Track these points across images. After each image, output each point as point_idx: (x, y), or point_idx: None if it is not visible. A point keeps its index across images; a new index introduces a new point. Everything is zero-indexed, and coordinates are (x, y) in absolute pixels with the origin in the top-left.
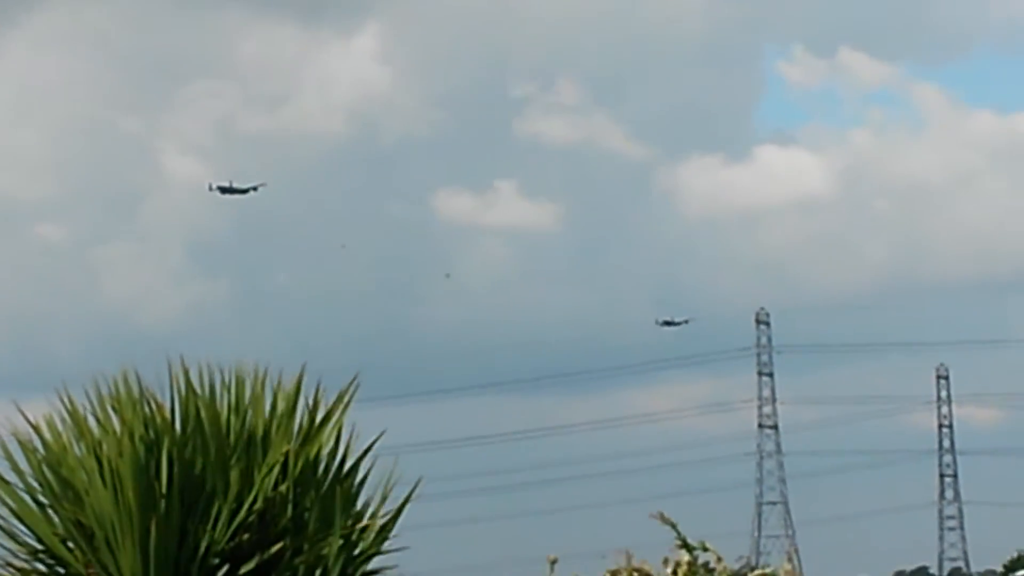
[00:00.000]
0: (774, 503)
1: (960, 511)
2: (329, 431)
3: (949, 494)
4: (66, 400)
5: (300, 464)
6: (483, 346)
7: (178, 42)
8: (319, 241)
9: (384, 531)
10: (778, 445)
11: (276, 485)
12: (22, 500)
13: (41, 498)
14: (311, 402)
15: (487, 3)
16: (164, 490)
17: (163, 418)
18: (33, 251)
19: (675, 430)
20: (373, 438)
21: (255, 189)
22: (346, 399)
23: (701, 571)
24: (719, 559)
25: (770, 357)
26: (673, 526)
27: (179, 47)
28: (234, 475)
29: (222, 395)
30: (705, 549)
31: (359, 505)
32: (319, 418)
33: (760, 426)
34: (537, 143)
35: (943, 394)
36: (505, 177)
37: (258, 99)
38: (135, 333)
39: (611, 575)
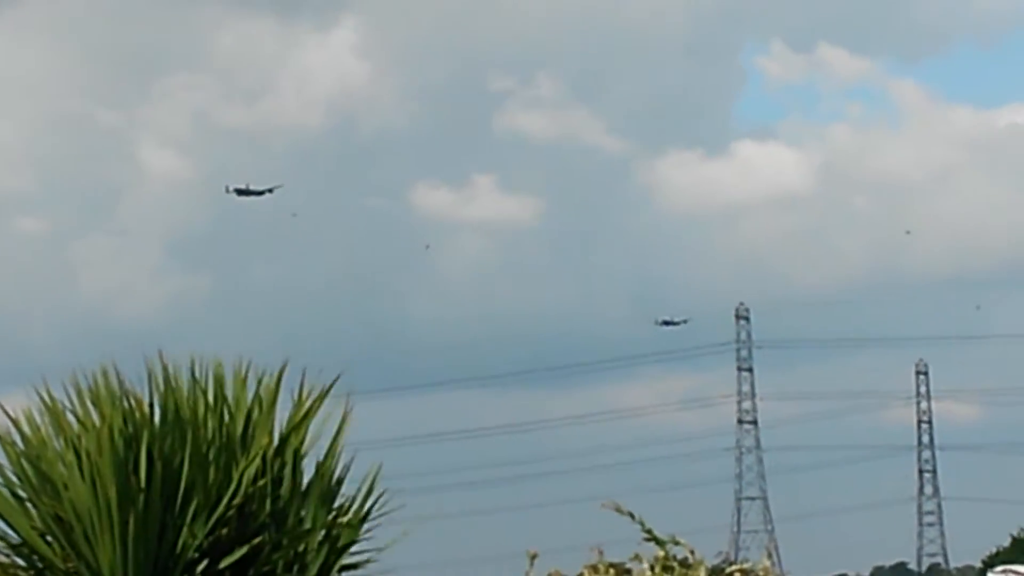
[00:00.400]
0: (753, 498)
1: (939, 507)
2: (309, 426)
3: (928, 490)
4: (45, 394)
5: (280, 459)
6: (462, 341)
7: (156, 36)
8: (297, 235)
9: (363, 525)
10: (757, 440)
11: (256, 480)
12: (1, 494)
13: (20, 492)
14: (292, 397)
15: None
16: (143, 485)
17: (142, 413)
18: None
19: (655, 425)
20: (353, 433)
21: (271, 191)
22: (326, 394)
23: (677, 566)
24: (692, 552)
25: (750, 352)
26: (631, 516)
27: (157, 41)
28: (213, 470)
29: (201, 390)
30: (676, 543)
31: (339, 500)
32: (299, 413)
33: (739, 421)
34: (516, 137)
35: (922, 390)
36: (484, 171)
37: (236, 93)
38: (114, 327)
39: (589, 570)
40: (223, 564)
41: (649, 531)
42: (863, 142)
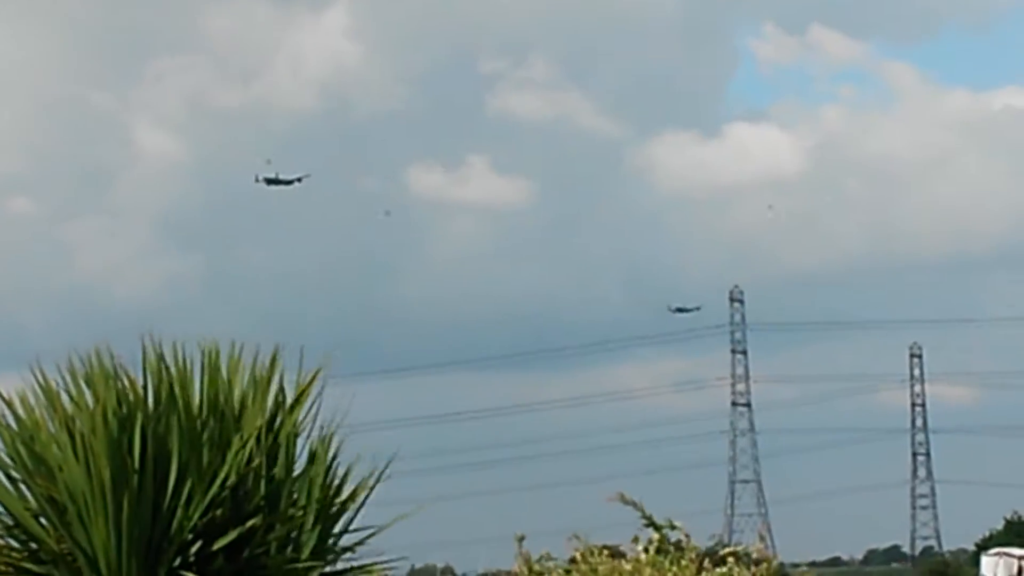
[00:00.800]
0: (747, 481)
1: (932, 490)
2: (303, 408)
3: (922, 473)
4: (39, 375)
5: (274, 441)
6: (455, 323)
7: (149, 16)
8: (291, 216)
9: (356, 507)
10: (751, 423)
11: (250, 461)
12: None
13: (14, 473)
14: (286, 379)
15: None
16: (137, 466)
17: (136, 394)
18: (5, 225)
19: (648, 408)
20: (347, 415)
21: (299, 180)
22: (320, 375)
23: (671, 549)
24: (687, 536)
25: (744, 335)
26: (635, 505)
27: (150, 21)
28: (207, 451)
29: (195, 371)
30: (673, 527)
31: (333, 482)
32: (293, 394)
33: (733, 404)
34: (509, 119)
35: (916, 372)
36: (477, 153)
37: (230, 74)
38: (108, 308)
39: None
40: (217, 546)
41: (649, 517)
42: (857, 124)
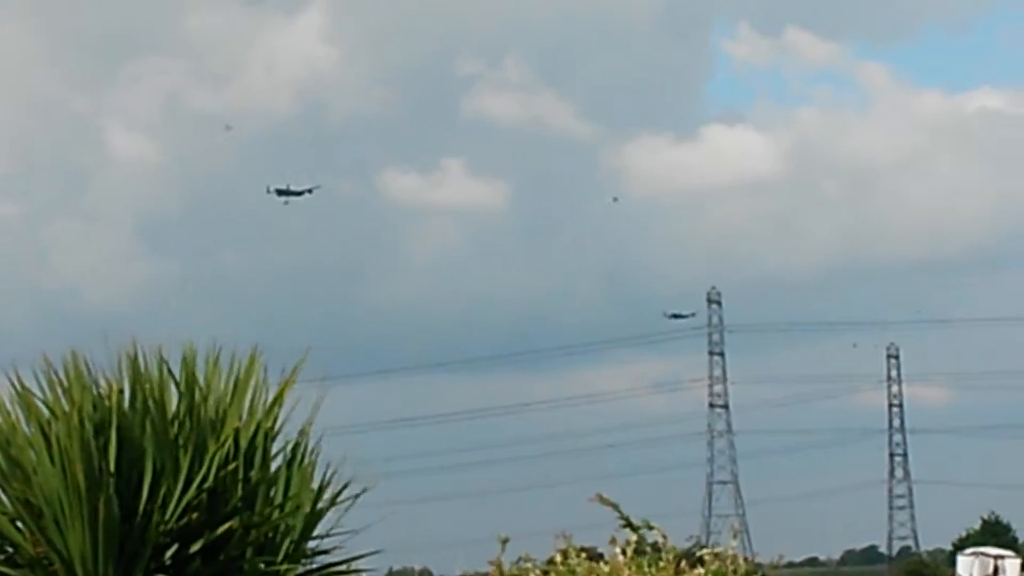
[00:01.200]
0: (725, 482)
1: (910, 490)
2: (279, 410)
3: (899, 473)
4: (15, 379)
5: (250, 444)
6: (432, 325)
7: (124, 19)
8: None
9: (334, 510)
10: (729, 424)
11: (226, 463)
12: None
13: None
14: (262, 382)
15: None
16: (112, 469)
17: (112, 398)
18: None
19: (626, 409)
20: (324, 417)
21: (310, 191)
22: (296, 377)
23: (648, 550)
24: (664, 537)
25: (721, 337)
26: (615, 507)
27: (125, 24)
28: (184, 454)
29: (171, 374)
30: (650, 528)
31: (308, 484)
32: (270, 397)
33: (711, 406)
34: (485, 121)
35: (893, 373)
36: (453, 155)
37: (205, 77)
38: (84, 311)
39: (560, 554)
40: (193, 548)
41: (626, 518)
42: (832, 126)
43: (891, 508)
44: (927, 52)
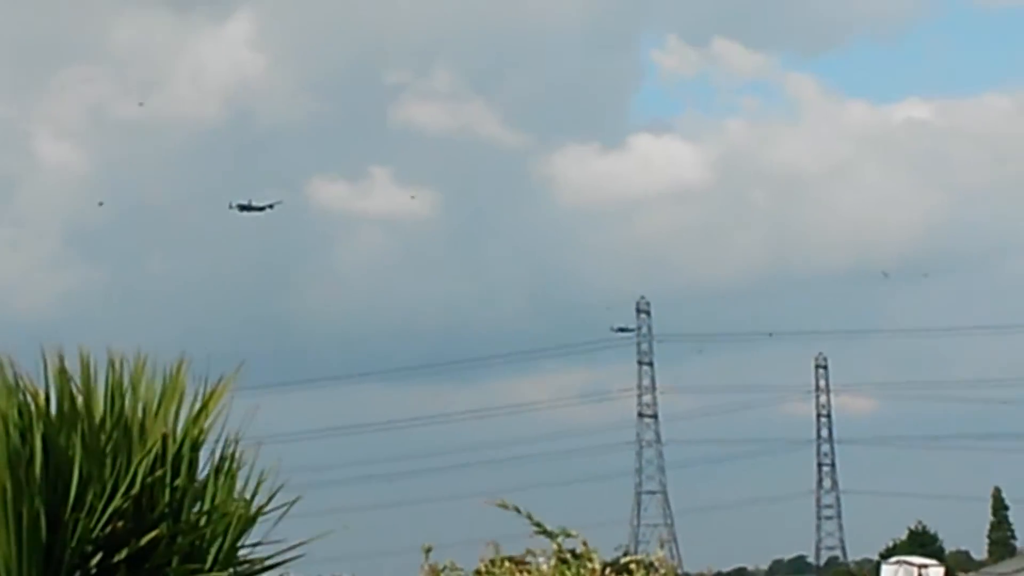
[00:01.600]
0: (653, 492)
1: (838, 500)
2: (206, 419)
3: (827, 483)
4: None
5: (177, 451)
6: (359, 334)
7: (51, 27)
8: (193, 228)
9: (260, 520)
10: (657, 434)
11: (152, 471)
12: None
13: None
14: (189, 390)
15: None
16: (37, 477)
17: (38, 405)
18: None
19: (554, 419)
20: (251, 427)
21: (271, 207)
22: (224, 387)
23: (570, 557)
24: (584, 544)
25: (650, 346)
26: (519, 511)
27: (52, 32)
28: (109, 461)
29: (97, 381)
30: (568, 535)
31: (236, 494)
32: (197, 404)
33: (640, 415)
34: (412, 130)
35: (821, 383)
36: (380, 164)
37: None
38: (10, 319)
39: (486, 564)
40: (118, 557)
41: (538, 524)
42: (760, 136)
43: (819, 518)
44: (855, 63)
